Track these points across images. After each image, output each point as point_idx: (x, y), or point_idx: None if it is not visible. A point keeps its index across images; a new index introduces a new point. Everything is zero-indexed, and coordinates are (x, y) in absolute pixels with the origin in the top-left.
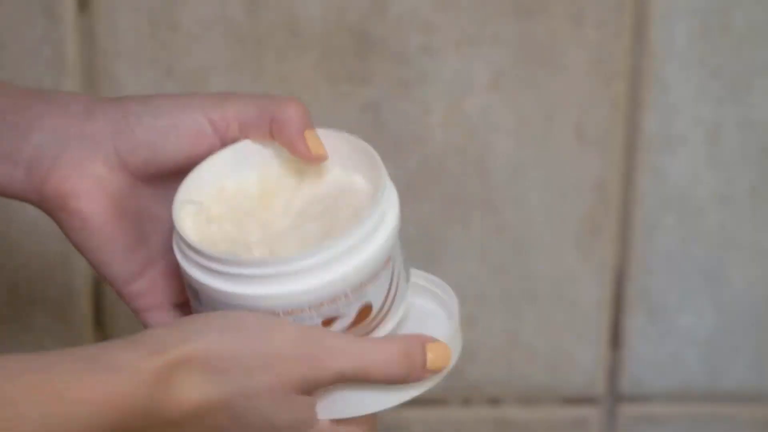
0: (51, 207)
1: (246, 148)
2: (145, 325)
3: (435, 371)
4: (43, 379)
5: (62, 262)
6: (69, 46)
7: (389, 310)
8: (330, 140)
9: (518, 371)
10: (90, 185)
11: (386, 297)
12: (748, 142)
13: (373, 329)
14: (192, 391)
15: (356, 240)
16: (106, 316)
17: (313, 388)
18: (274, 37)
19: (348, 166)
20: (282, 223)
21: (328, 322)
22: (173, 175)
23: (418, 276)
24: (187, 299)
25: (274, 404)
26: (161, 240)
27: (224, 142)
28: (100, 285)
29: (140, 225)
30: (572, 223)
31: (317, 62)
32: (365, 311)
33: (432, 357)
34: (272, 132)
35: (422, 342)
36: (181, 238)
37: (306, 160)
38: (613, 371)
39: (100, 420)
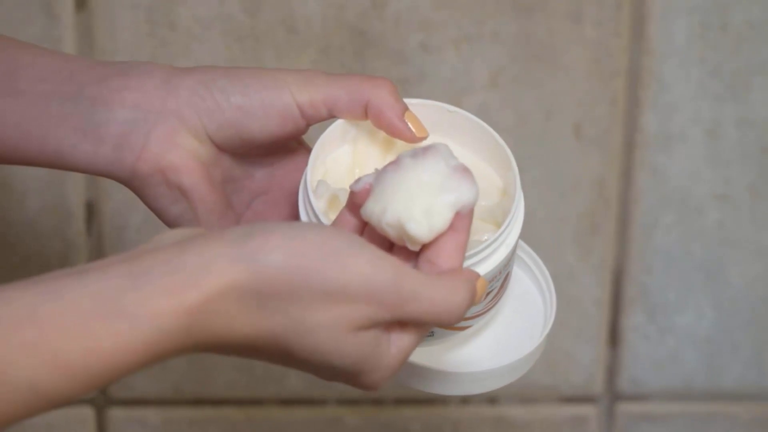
0: (145, 183)
1: (340, 126)
2: None
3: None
4: (38, 337)
5: (61, 260)
6: (67, 44)
7: (513, 261)
8: (421, 109)
9: None
10: (186, 158)
11: (514, 255)
12: (747, 140)
13: (506, 284)
14: (241, 325)
15: (506, 231)
16: None
17: (375, 325)
18: (272, 35)
19: (435, 130)
20: None
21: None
22: (254, 147)
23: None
24: None
25: (333, 342)
26: (240, 200)
27: (310, 124)
28: None
29: (224, 189)
30: (571, 221)
31: (316, 60)
32: (507, 276)
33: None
34: (369, 116)
35: (481, 283)
36: None
37: (410, 141)
38: (612, 370)
39: (110, 376)
